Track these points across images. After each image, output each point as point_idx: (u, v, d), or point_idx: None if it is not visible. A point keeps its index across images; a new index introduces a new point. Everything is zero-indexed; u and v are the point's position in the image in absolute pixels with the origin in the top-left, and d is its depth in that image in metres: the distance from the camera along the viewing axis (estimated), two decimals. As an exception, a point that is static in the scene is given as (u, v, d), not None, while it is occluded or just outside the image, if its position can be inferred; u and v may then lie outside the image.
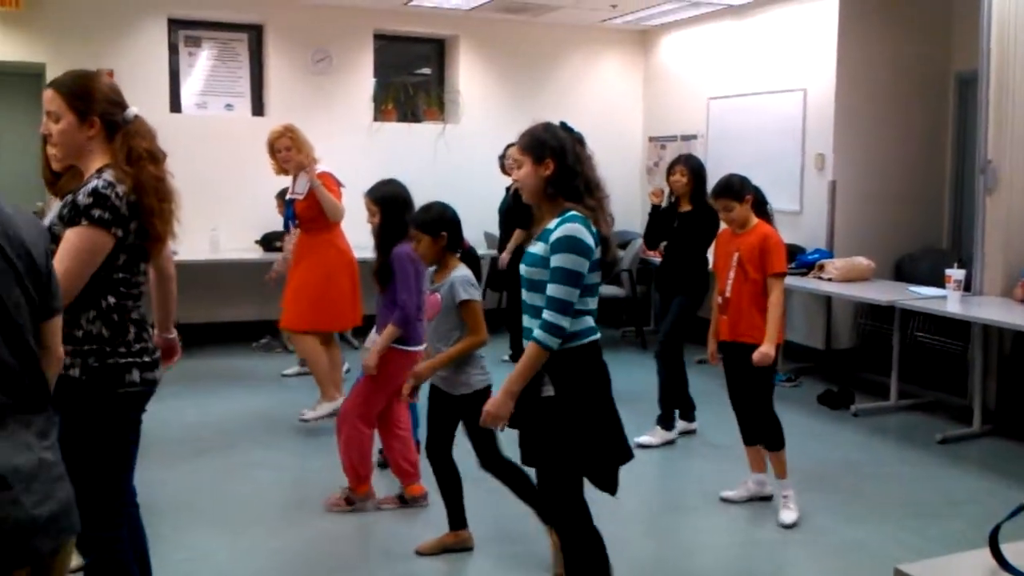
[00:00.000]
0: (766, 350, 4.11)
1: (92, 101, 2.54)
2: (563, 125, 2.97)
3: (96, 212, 2.43)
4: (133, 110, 2.62)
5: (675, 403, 5.39)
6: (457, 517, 3.81)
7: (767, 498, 4.41)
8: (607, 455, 2.92)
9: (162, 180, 2.61)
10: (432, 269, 3.72)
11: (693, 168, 5.36)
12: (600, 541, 2.98)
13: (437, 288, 3.63)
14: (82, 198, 2.44)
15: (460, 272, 3.60)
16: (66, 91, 2.53)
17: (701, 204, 5.32)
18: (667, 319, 5.40)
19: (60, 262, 2.36)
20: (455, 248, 3.67)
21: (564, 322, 2.76)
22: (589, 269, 2.79)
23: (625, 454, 2.94)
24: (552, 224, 2.84)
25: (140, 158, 2.55)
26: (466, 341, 3.56)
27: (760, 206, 4.37)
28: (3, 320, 1.56)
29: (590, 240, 2.79)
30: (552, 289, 2.76)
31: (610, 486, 2.94)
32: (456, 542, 3.81)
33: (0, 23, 7.00)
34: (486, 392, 3.63)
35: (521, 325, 2.95)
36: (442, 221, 3.62)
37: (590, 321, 2.89)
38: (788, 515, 4.22)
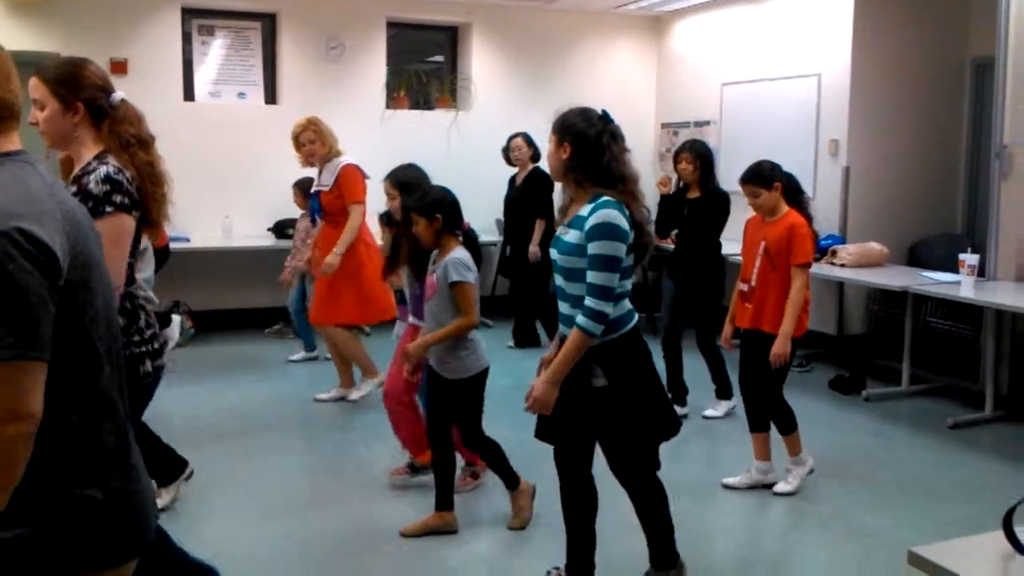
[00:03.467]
0: (779, 350, 4.09)
1: (76, 88, 2.50)
2: (604, 115, 2.95)
3: (117, 198, 2.44)
4: (119, 95, 2.59)
5: (724, 376, 5.52)
6: (445, 499, 3.86)
7: (770, 486, 4.41)
8: (658, 431, 3.01)
9: (153, 165, 2.59)
10: (435, 252, 3.78)
11: (699, 154, 5.33)
12: (666, 498, 3.16)
13: (434, 269, 3.71)
14: (96, 187, 2.42)
15: (456, 254, 3.66)
16: (50, 78, 2.51)
17: (710, 190, 5.32)
18: (698, 317, 5.44)
19: (105, 254, 2.39)
20: (452, 230, 3.72)
21: (607, 308, 2.81)
22: (625, 252, 2.82)
23: (674, 426, 3.05)
24: (585, 211, 2.85)
25: (130, 144, 2.54)
26: (455, 323, 3.64)
27: (794, 194, 4.30)
28: (114, 314, 1.65)
29: (625, 224, 2.81)
30: (592, 276, 2.80)
31: (654, 460, 3.07)
32: (441, 524, 3.85)
33: (17, 13, 7.05)
34: (481, 376, 3.74)
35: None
36: (437, 204, 3.69)
37: (628, 304, 2.94)
38: (784, 486, 4.31)
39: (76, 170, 2.53)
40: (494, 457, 3.87)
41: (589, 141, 2.87)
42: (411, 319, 4.30)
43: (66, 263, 1.45)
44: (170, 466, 4.03)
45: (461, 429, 3.82)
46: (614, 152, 2.89)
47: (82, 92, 2.51)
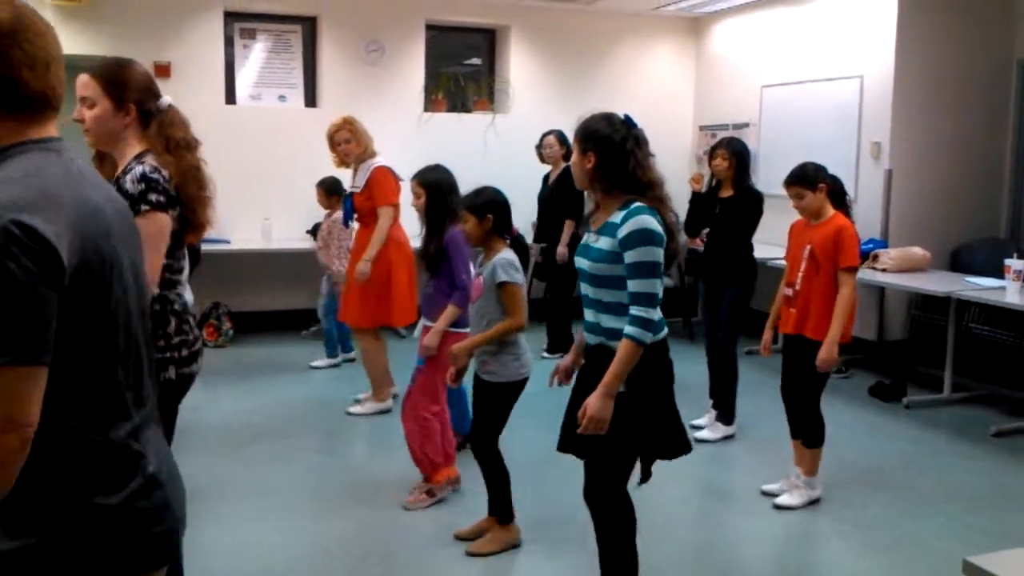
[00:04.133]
0: (826, 356, 4.02)
1: (128, 89, 2.53)
2: (627, 119, 2.91)
3: (152, 196, 2.44)
4: (167, 99, 2.63)
5: (731, 396, 5.30)
6: (505, 510, 3.78)
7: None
8: (668, 447, 2.93)
9: (199, 168, 2.62)
10: (481, 254, 3.77)
11: (735, 151, 5.20)
12: (634, 540, 3.00)
13: (481, 271, 3.70)
14: (131, 186, 2.43)
15: (504, 255, 3.64)
16: (104, 78, 2.53)
17: (743, 189, 5.20)
18: (724, 315, 5.25)
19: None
20: (502, 232, 3.71)
21: (654, 314, 2.76)
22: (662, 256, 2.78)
23: (684, 447, 2.97)
24: (617, 218, 2.80)
25: (178, 147, 2.57)
26: (504, 323, 3.60)
27: (839, 196, 4.23)
28: (140, 315, 1.57)
29: (660, 229, 2.76)
30: (636, 284, 2.75)
31: (646, 473, 2.98)
32: (508, 539, 3.77)
33: (64, 17, 7.17)
34: (518, 385, 3.67)
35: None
36: (490, 204, 3.67)
37: (659, 312, 2.86)
38: (788, 498, 4.21)
39: (119, 171, 2.56)
40: (498, 481, 3.73)
41: (613, 147, 2.82)
42: (422, 319, 4.31)
43: (72, 260, 1.36)
44: None
45: (474, 433, 3.74)
46: (639, 158, 2.84)
47: (134, 93, 2.54)
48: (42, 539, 1.41)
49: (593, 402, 2.78)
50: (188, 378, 2.65)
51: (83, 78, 2.55)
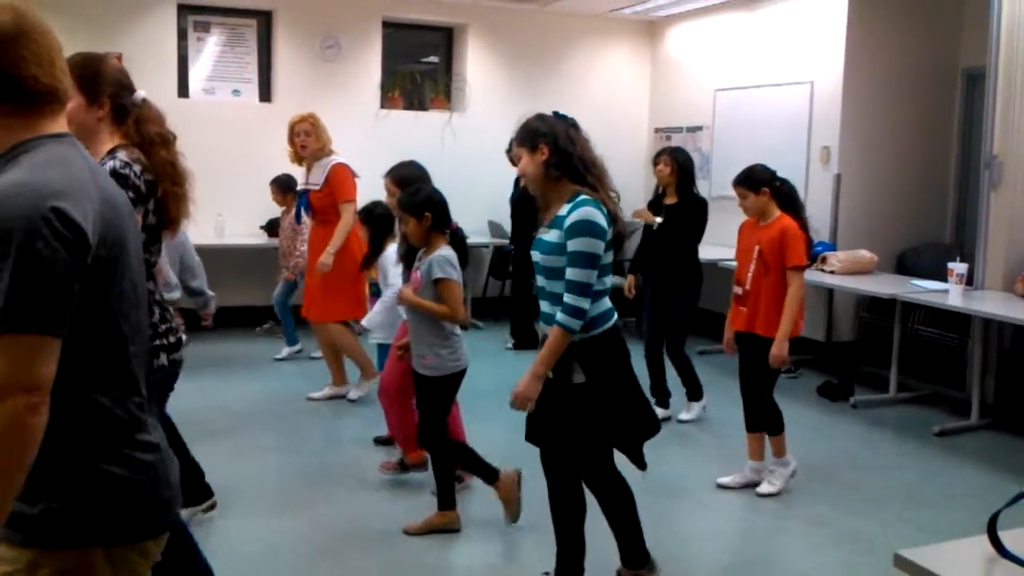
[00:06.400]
0: (777, 352, 4.16)
1: (101, 83, 2.54)
2: (555, 114, 3.09)
3: None
4: (141, 93, 2.65)
5: (693, 378, 5.54)
6: (447, 498, 3.88)
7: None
8: (638, 431, 3.07)
9: (174, 163, 2.64)
10: (422, 250, 3.85)
11: (677, 159, 5.36)
12: (632, 497, 3.21)
13: (419, 266, 3.79)
14: None
15: (441, 252, 3.74)
16: (77, 72, 2.46)
17: (688, 196, 5.35)
18: (672, 320, 5.44)
19: None
20: (441, 229, 3.80)
21: (585, 304, 2.87)
22: (604, 249, 2.90)
23: (654, 427, 3.11)
24: (563, 210, 2.94)
25: (153, 142, 2.59)
26: (443, 307, 3.69)
27: (789, 201, 4.32)
28: (145, 301, 1.69)
29: (604, 222, 2.89)
30: (571, 273, 2.87)
31: (640, 461, 3.12)
32: (443, 523, 3.88)
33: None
34: (456, 377, 3.80)
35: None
36: (427, 203, 3.76)
37: (608, 302, 3.00)
38: (767, 487, 4.37)
39: None
40: (462, 457, 3.89)
41: (559, 138, 2.98)
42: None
43: (95, 242, 1.47)
44: (194, 488, 3.83)
45: (420, 426, 3.84)
46: (581, 141, 3.02)
47: (108, 87, 2.56)
48: (64, 505, 1.52)
49: (521, 381, 2.95)
50: (178, 364, 2.74)
51: None
